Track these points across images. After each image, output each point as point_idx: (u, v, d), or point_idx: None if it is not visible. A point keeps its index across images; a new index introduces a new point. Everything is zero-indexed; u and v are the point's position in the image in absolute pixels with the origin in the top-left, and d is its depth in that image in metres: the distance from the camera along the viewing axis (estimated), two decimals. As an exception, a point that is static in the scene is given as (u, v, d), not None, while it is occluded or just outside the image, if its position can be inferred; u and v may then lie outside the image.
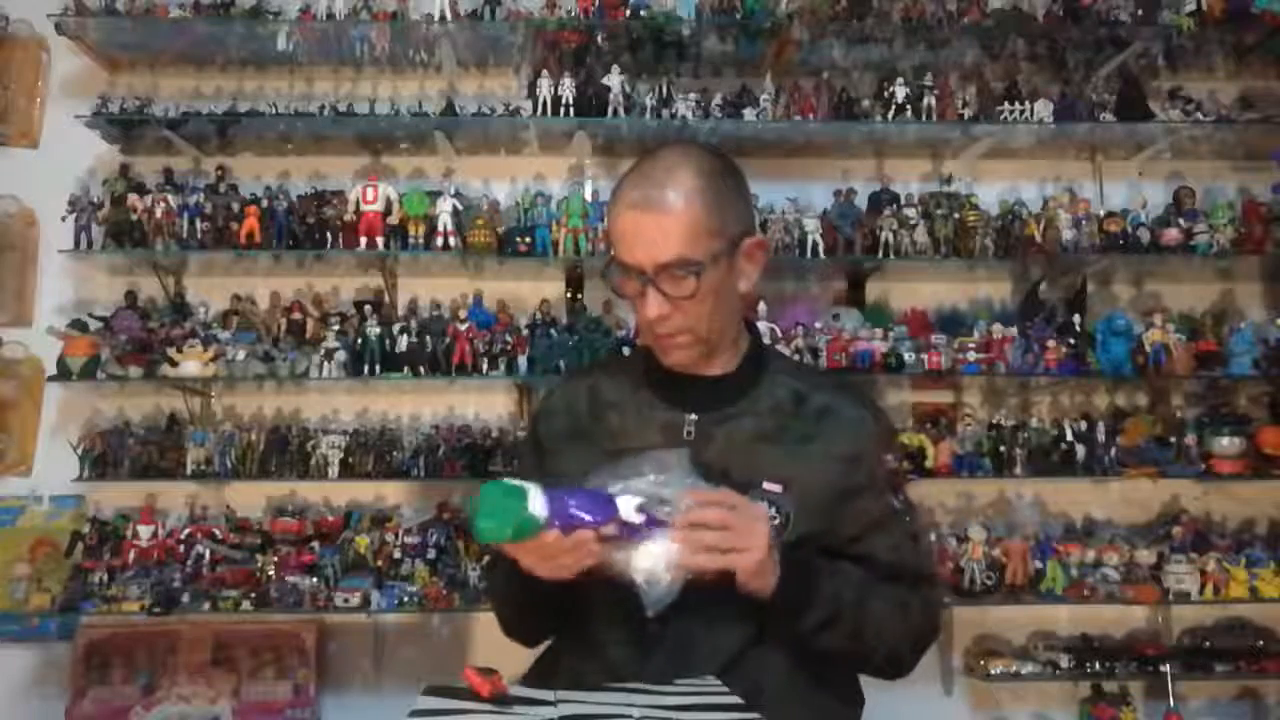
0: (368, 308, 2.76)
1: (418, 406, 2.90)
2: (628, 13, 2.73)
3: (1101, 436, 2.74)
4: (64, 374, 2.64)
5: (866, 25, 2.76)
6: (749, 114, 2.75)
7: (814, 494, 1.28)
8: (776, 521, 1.25)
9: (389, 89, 2.97)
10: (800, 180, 2.95)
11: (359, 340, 2.67)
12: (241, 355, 2.65)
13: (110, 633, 2.67)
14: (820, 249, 2.73)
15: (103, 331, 2.68)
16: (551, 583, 1.18)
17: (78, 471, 2.65)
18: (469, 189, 2.91)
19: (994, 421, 2.82)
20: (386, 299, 2.89)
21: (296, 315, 2.77)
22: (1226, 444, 2.74)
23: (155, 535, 2.68)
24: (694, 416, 1.32)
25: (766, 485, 1.27)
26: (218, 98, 2.96)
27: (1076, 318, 2.78)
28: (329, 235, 2.70)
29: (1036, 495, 2.96)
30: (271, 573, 2.61)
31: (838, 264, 2.84)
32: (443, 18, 2.71)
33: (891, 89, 2.77)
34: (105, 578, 2.60)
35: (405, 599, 2.58)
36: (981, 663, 2.74)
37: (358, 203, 2.67)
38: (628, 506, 1.11)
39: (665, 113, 2.75)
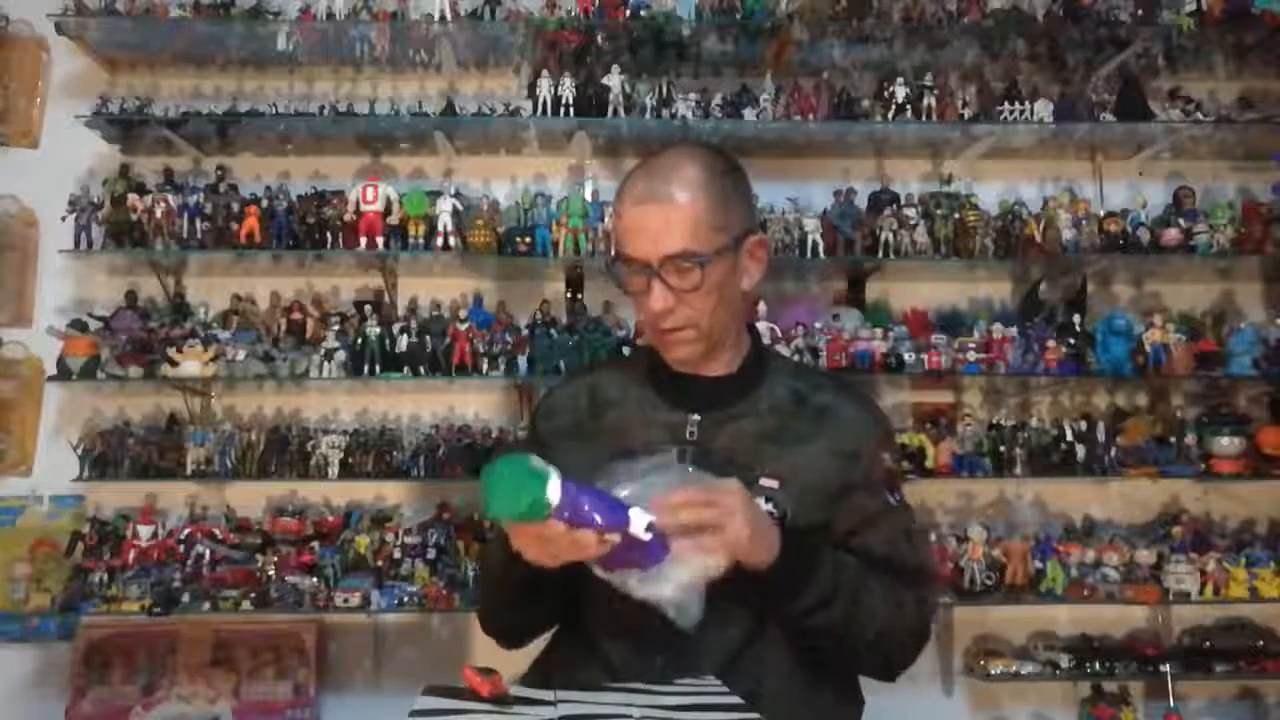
0: (368, 308, 2.76)
1: (418, 406, 2.90)
2: (628, 13, 2.73)
3: (1101, 436, 2.74)
4: (64, 374, 2.64)
5: (866, 25, 2.76)
6: (749, 114, 2.75)
7: (812, 490, 1.29)
8: (774, 517, 1.26)
9: (389, 89, 2.97)
10: (800, 180, 2.95)
11: (359, 340, 2.67)
12: (241, 355, 2.65)
13: (110, 633, 2.67)
14: (820, 249, 2.73)
15: (103, 331, 2.68)
16: (540, 576, 1.16)
17: (78, 471, 2.65)
18: (469, 189, 2.91)
19: (994, 421, 2.82)
20: (386, 299, 2.89)
21: (296, 315, 2.77)
22: (1226, 444, 2.74)
23: (155, 535, 2.68)
24: (697, 417, 1.33)
25: (764, 482, 1.28)
26: (218, 98, 2.96)
27: (1076, 318, 2.77)
28: (329, 235, 2.70)
29: (1036, 495, 2.95)
30: (271, 573, 2.61)
31: (838, 264, 2.84)
32: (443, 18, 2.71)
33: (891, 89, 2.77)
34: (105, 578, 2.60)
35: (405, 599, 2.58)
36: (981, 663, 2.74)
37: (358, 203, 2.67)
38: (639, 522, 1.08)
39: (665, 113, 2.75)
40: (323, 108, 2.79)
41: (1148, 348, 2.69)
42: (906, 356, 2.69)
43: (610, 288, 2.86)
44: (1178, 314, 2.88)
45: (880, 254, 2.75)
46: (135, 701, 2.63)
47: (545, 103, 2.71)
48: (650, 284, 1.26)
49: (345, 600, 2.57)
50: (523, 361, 2.67)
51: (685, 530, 1.11)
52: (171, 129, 2.76)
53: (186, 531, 2.68)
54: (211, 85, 3.00)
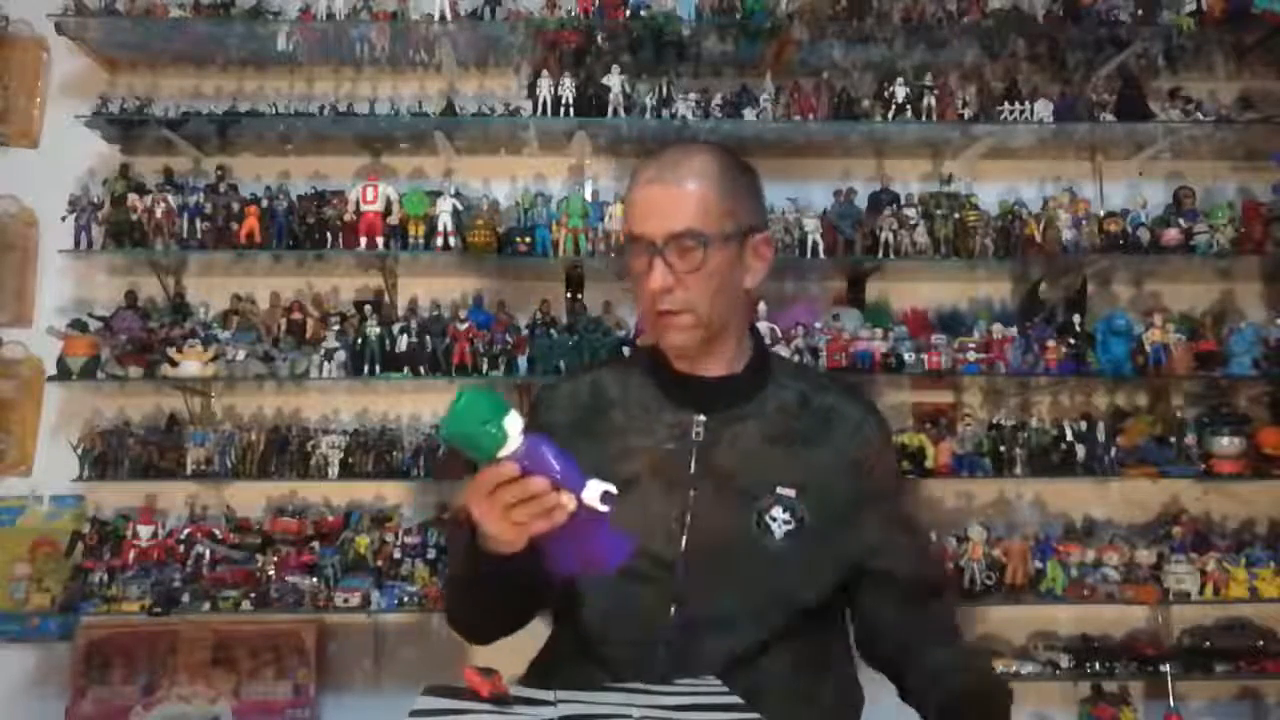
0: (368, 308, 2.76)
1: (418, 406, 2.90)
2: (628, 13, 2.73)
3: (1101, 436, 2.74)
4: (64, 374, 2.64)
5: (866, 25, 2.76)
6: (749, 114, 2.75)
7: (828, 498, 1.30)
8: (791, 527, 1.27)
9: (389, 89, 2.97)
10: (800, 180, 2.95)
11: (359, 340, 2.67)
12: (241, 355, 2.65)
13: (110, 633, 2.67)
14: (820, 249, 2.73)
15: (103, 331, 2.68)
16: (503, 570, 1.13)
17: (78, 471, 2.65)
18: (469, 189, 2.91)
19: (994, 421, 2.82)
20: (386, 299, 2.89)
21: (296, 315, 2.77)
22: (1226, 444, 2.74)
23: (155, 535, 2.68)
24: (703, 417, 1.33)
25: (780, 490, 1.28)
26: (218, 98, 2.96)
27: (1076, 318, 2.78)
28: (329, 235, 2.70)
29: (1036, 495, 2.95)
30: (271, 573, 2.61)
31: (838, 264, 2.84)
32: (443, 18, 2.71)
33: (891, 89, 2.77)
34: (105, 578, 2.60)
35: (405, 599, 2.59)
36: (981, 663, 2.74)
37: (358, 203, 2.67)
38: (594, 491, 1.01)
39: (665, 113, 2.75)
40: (323, 108, 2.79)
41: (1148, 348, 2.69)
42: (906, 356, 2.69)
43: (610, 288, 2.87)
44: (1178, 314, 2.88)
45: (880, 254, 2.75)
46: (135, 701, 2.63)
47: (545, 103, 2.71)
48: (653, 262, 1.27)
49: (345, 600, 2.57)
50: (523, 361, 2.67)
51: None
52: (171, 129, 2.76)
53: (186, 531, 2.68)
54: (211, 85, 3.00)
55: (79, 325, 2.69)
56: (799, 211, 2.79)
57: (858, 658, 1.39)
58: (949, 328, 2.81)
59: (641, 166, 1.33)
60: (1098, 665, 2.70)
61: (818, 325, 2.76)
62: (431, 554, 2.66)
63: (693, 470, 1.29)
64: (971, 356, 2.69)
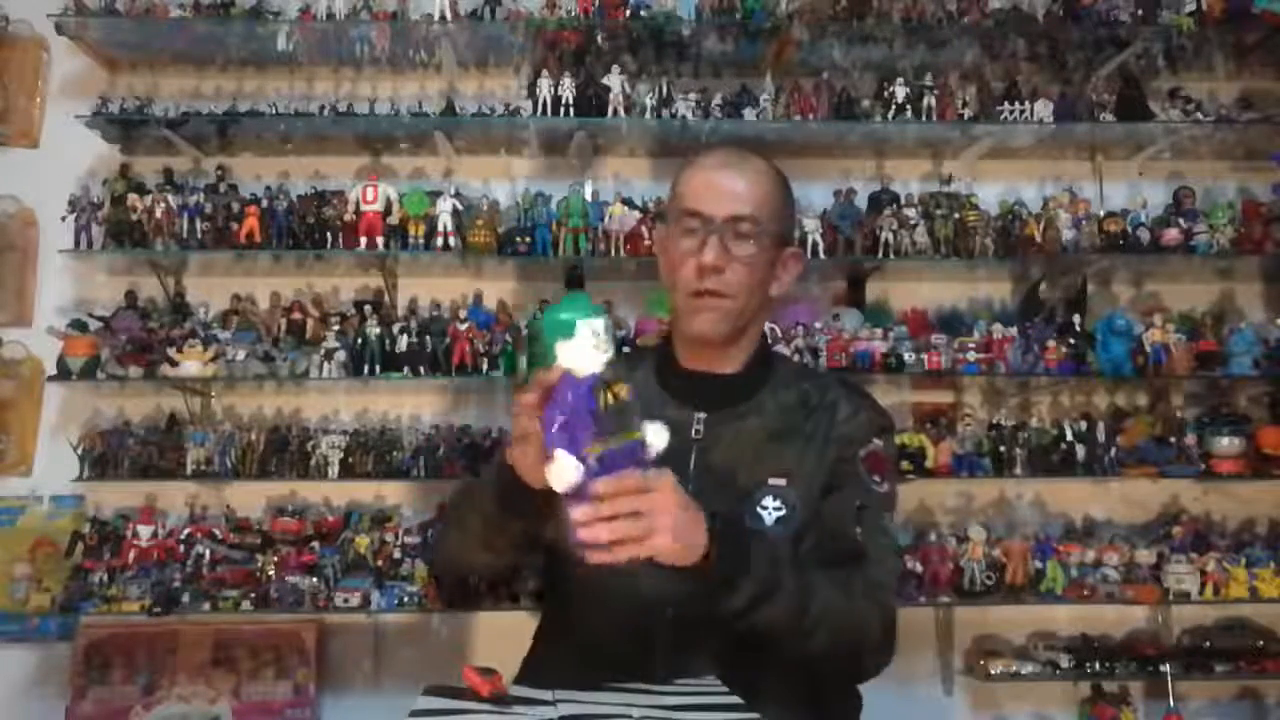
0: (368, 308, 2.76)
1: (418, 406, 2.90)
2: (628, 13, 2.73)
3: (1101, 436, 2.74)
4: (64, 374, 2.64)
5: (866, 25, 2.76)
6: (749, 114, 2.75)
7: (817, 483, 1.32)
8: (782, 514, 1.28)
9: (389, 89, 2.96)
10: (800, 180, 2.88)
11: (359, 340, 2.67)
12: (241, 355, 2.64)
13: (110, 633, 2.67)
14: (820, 249, 2.73)
15: (103, 331, 2.68)
16: (521, 511, 1.20)
17: (78, 471, 2.65)
18: (469, 189, 2.91)
19: (994, 421, 2.82)
20: (386, 299, 2.89)
21: (296, 315, 2.77)
22: (1226, 444, 2.74)
23: (155, 535, 2.67)
24: (703, 415, 1.34)
25: (772, 480, 1.29)
26: (218, 98, 2.96)
27: (1076, 318, 2.77)
28: (329, 235, 2.70)
29: (1036, 495, 2.95)
30: (271, 573, 2.60)
31: (838, 264, 2.84)
32: (443, 18, 2.71)
33: (891, 89, 2.77)
34: (105, 578, 2.59)
35: (405, 599, 2.58)
36: (981, 663, 2.74)
37: (358, 203, 2.66)
38: (655, 433, 1.05)
39: (665, 113, 2.75)
40: (323, 108, 2.79)
41: (1148, 348, 2.69)
42: (906, 356, 2.69)
43: (610, 288, 2.86)
44: (1178, 314, 2.88)
45: (880, 254, 2.75)
46: (135, 701, 2.63)
47: (545, 103, 2.71)
48: (706, 240, 1.32)
49: (345, 600, 2.57)
50: (523, 362, 2.66)
51: (610, 524, 1.04)
52: (171, 129, 2.76)
53: (186, 531, 2.68)
54: (211, 85, 3.00)
55: (79, 325, 2.69)
56: (799, 211, 2.78)
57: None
58: (949, 328, 2.81)
59: (705, 153, 1.42)
60: (1098, 665, 2.70)
61: (818, 325, 2.76)
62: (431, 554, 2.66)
63: (691, 468, 1.30)
64: (971, 356, 2.69)
